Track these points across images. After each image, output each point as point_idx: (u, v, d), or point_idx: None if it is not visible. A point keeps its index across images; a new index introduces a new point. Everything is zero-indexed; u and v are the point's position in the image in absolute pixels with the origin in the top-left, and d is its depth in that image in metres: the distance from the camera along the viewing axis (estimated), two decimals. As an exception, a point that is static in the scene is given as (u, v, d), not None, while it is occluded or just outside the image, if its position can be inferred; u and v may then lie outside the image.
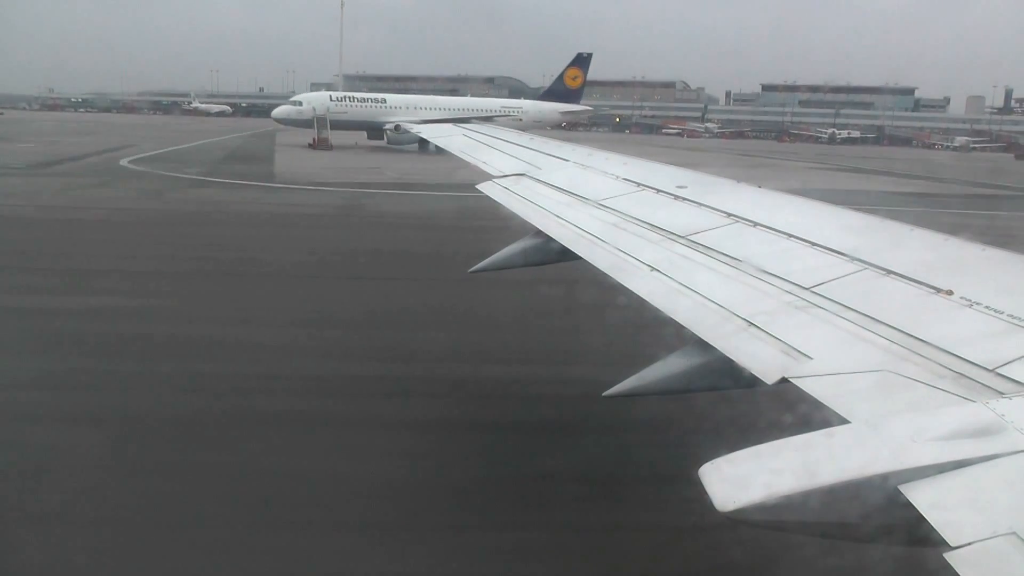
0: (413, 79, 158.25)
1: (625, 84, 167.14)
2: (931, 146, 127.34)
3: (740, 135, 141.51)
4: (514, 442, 8.21)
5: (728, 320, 3.69)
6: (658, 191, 6.18)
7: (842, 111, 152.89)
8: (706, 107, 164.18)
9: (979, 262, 3.81)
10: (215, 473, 7.21)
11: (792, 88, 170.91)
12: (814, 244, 4.30)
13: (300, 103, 59.53)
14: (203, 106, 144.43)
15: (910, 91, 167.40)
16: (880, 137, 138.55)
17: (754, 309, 3.71)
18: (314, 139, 54.65)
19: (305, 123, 57.04)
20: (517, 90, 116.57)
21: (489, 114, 58.72)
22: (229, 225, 22.64)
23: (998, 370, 2.66)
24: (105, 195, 27.83)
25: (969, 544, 1.87)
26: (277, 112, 61.31)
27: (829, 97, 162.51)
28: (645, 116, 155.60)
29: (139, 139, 58.62)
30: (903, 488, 2.10)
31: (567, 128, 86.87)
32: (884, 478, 2.15)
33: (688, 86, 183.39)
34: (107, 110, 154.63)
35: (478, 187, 7.99)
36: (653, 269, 4.54)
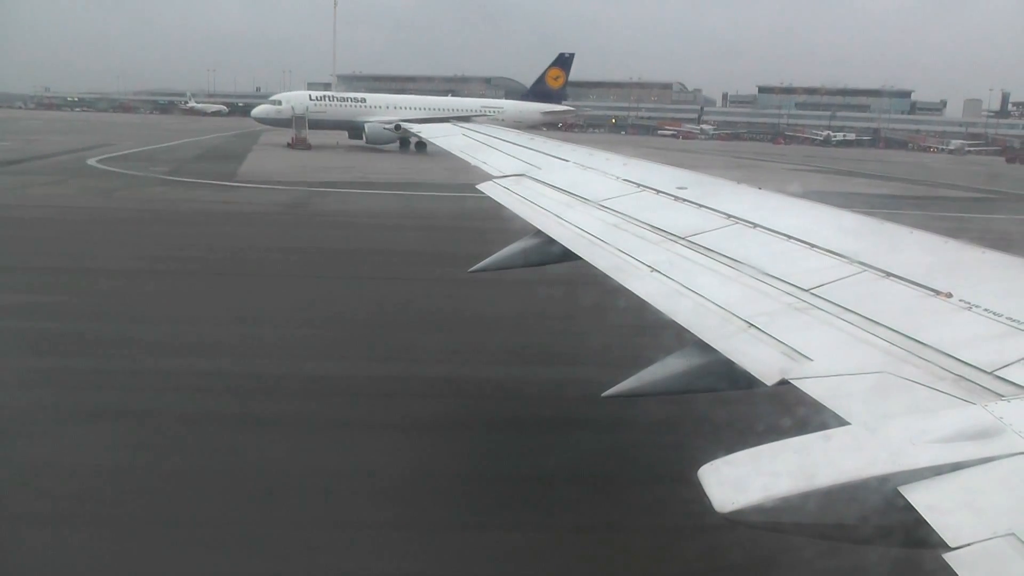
0: (410, 79, 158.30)
1: (622, 85, 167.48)
2: (926, 149, 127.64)
3: (735, 137, 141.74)
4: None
5: (728, 321, 3.70)
6: (658, 192, 6.19)
7: (838, 113, 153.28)
8: (702, 109, 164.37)
9: (978, 265, 3.83)
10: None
11: (789, 90, 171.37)
12: (814, 246, 4.31)
13: (280, 102, 59.18)
14: (199, 106, 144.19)
15: (907, 94, 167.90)
16: (875, 140, 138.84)
17: (754, 310, 3.71)
18: (293, 138, 54.76)
19: (284, 122, 56.85)
20: (514, 90, 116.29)
21: (468, 114, 58.59)
22: (157, 223, 22.11)
23: (997, 372, 2.67)
24: (53, 193, 27.64)
25: (968, 545, 1.87)
26: (257, 111, 60.98)
27: (826, 99, 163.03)
28: (641, 117, 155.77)
29: (121, 138, 58.49)
30: (902, 489, 2.11)
31: (563, 129, 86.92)
32: (883, 480, 2.15)
33: (685, 87, 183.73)
34: (103, 109, 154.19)
35: (478, 187, 7.98)
36: (653, 270, 4.54)
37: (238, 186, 31.35)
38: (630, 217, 5.64)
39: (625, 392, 3.94)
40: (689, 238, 4.89)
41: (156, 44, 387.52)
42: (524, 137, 10.59)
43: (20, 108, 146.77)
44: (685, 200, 5.78)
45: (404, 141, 58.25)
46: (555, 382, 10.05)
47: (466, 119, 52.32)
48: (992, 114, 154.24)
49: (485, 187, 7.83)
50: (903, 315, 3.30)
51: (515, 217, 6.73)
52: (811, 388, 2.92)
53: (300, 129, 55.15)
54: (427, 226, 23.27)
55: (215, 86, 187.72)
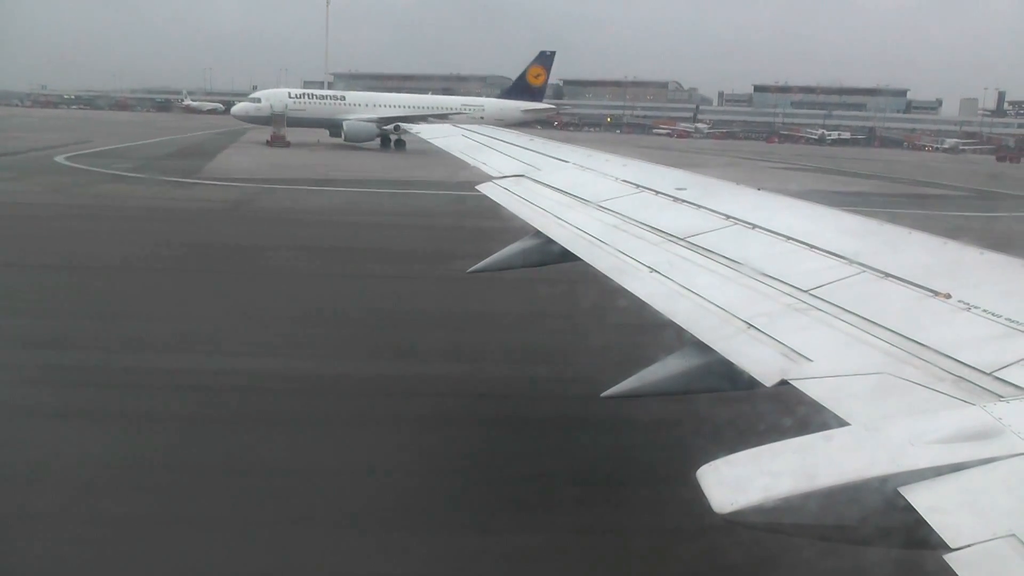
0: (407, 78, 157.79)
1: (619, 84, 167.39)
2: (921, 148, 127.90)
3: (730, 135, 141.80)
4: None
5: (727, 322, 3.70)
6: (657, 193, 6.20)
7: (834, 112, 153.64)
8: (698, 107, 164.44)
9: (977, 265, 3.84)
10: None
11: (785, 89, 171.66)
12: (813, 247, 4.32)
13: (259, 100, 58.53)
14: (195, 104, 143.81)
15: (902, 93, 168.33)
16: (871, 138, 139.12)
17: (753, 311, 3.72)
18: (271, 135, 54.61)
19: (264, 120, 56.43)
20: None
21: (447, 111, 58.19)
22: (100, 220, 21.82)
23: (996, 373, 2.68)
24: (5, 189, 27.33)
25: (968, 546, 1.88)
26: (236, 109, 60.29)
27: (821, 98, 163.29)
28: (637, 116, 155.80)
29: (102, 135, 58.02)
30: (903, 490, 2.11)
31: (558, 127, 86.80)
32: (883, 481, 2.16)
33: (681, 86, 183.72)
34: (101, 107, 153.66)
35: (478, 187, 7.98)
36: (652, 271, 4.55)
37: (195, 183, 30.91)
38: (629, 218, 5.65)
39: (625, 392, 3.94)
40: (688, 239, 4.90)
41: (154, 43, 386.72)
42: (523, 138, 10.59)
43: (17, 106, 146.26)
44: (684, 201, 5.79)
45: (385, 139, 58.09)
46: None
47: (444, 117, 52.24)
48: (988, 113, 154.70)
49: (485, 187, 7.83)
50: (902, 316, 3.30)
51: (513, 217, 6.74)
52: (811, 389, 2.93)
53: (279, 127, 54.86)
54: (372, 223, 22.83)
55: (212, 84, 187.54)
